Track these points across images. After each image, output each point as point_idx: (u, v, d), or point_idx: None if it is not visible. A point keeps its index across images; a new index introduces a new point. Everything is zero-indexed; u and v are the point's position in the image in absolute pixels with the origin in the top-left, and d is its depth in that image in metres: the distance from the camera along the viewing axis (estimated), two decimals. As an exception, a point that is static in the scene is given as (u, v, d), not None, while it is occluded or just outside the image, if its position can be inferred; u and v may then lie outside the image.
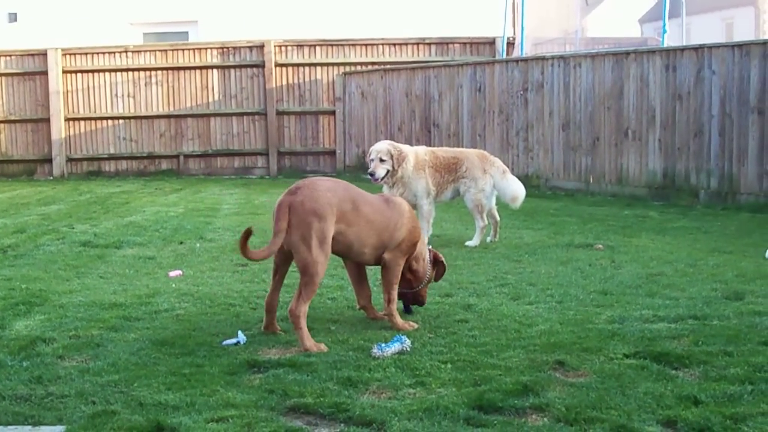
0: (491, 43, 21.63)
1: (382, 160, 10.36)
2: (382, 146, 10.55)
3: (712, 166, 14.06)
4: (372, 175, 10.40)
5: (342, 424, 4.69)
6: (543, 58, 17.41)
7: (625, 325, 6.51)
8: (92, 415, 4.78)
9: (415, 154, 10.71)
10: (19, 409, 4.91)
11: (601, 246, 10.18)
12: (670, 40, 18.20)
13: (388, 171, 10.39)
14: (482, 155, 11.15)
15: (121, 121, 22.09)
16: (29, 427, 4.71)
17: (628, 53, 15.67)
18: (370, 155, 10.54)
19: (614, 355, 5.70)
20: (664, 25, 18.02)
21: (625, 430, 4.50)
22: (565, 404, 4.82)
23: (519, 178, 16.60)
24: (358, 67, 21.78)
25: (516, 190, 10.99)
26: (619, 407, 4.79)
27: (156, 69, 21.99)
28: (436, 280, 7.19)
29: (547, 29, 26.93)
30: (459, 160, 10.92)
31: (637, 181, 15.30)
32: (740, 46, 13.95)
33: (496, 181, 10.93)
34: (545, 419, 4.70)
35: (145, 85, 22.01)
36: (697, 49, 14.43)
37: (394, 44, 21.99)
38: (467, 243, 10.61)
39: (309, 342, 6.03)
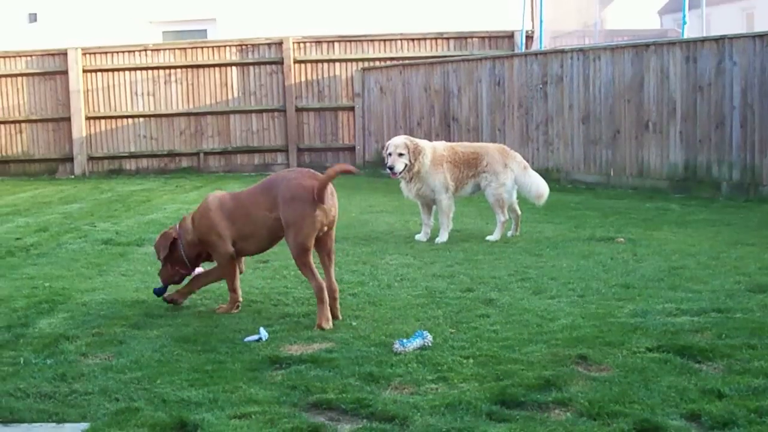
0: (510, 36, 21.57)
1: (400, 155, 10.39)
2: (399, 140, 10.57)
3: (734, 157, 13.98)
4: (391, 169, 10.42)
5: (364, 420, 4.69)
6: (562, 51, 17.35)
7: (647, 318, 6.49)
8: (116, 412, 4.80)
9: (432, 149, 10.70)
10: (44, 406, 4.94)
11: (622, 239, 10.15)
12: (690, 32, 18.10)
13: (406, 165, 10.42)
14: (503, 150, 11.10)
15: (141, 119, 22.15)
16: (53, 424, 4.74)
17: (647, 45, 15.59)
18: (387, 149, 10.54)
19: (637, 349, 5.69)
20: (684, 16, 17.93)
21: (648, 424, 4.48)
22: (587, 398, 4.81)
23: (539, 172, 16.53)
24: (377, 63, 21.76)
25: (541, 187, 10.97)
26: (642, 401, 4.77)
27: (175, 67, 22.03)
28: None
29: (566, 22, 26.80)
30: (479, 155, 10.85)
31: (658, 174, 15.23)
32: (761, 36, 13.84)
33: (518, 177, 10.89)
34: (568, 414, 4.69)
35: (165, 83, 22.05)
36: (718, 40, 14.34)
37: (413, 39, 21.96)
38: (488, 237, 10.59)
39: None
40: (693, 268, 8.41)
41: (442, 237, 10.54)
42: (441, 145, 10.94)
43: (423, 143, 10.71)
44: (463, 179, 10.80)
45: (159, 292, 7.36)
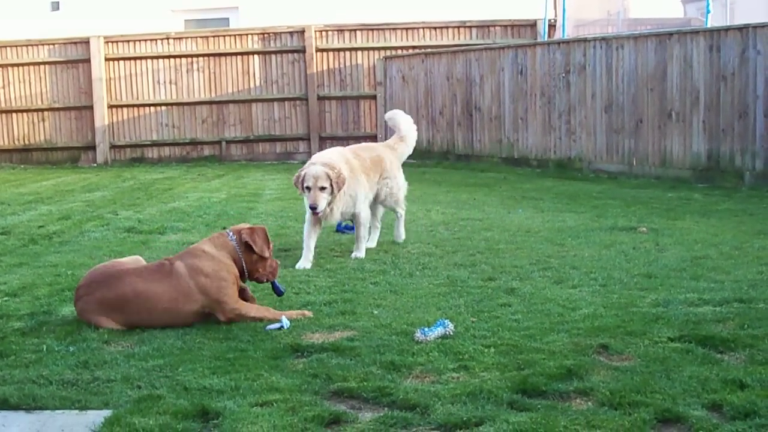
0: (532, 25, 21.52)
1: (322, 188, 8.66)
2: (319, 171, 8.69)
3: (758, 147, 13.90)
4: (314, 209, 8.66)
5: (386, 408, 4.70)
6: (585, 40, 17.29)
7: (669, 308, 6.46)
8: (138, 400, 4.82)
9: (345, 160, 9.13)
10: (66, 393, 4.97)
11: (644, 229, 10.11)
12: (713, 21, 17.98)
13: (328, 200, 8.76)
14: (392, 148, 10.00)
15: (163, 107, 22.23)
16: (76, 411, 4.76)
17: (671, 34, 15.50)
18: (304, 180, 8.71)
19: (659, 339, 5.67)
20: (708, 5, 17.80)
21: (669, 414, 4.47)
22: (609, 388, 4.80)
23: (561, 161, 16.55)
24: (399, 51, 21.76)
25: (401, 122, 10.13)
26: (663, 391, 4.76)
27: (197, 55, 22.09)
28: None
29: (589, 10, 26.65)
30: (381, 157, 9.63)
31: (680, 164, 15.17)
32: (786, 25, 13.78)
33: (398, 156, 9.96)
34: (589, 403, 4.68)
35: (187, 71, 22.12)
36: (742, 29, 14.25)
37: (435, 28, 21.94)
38: (397, 239, 9.78)
39: None
40: (715, 258, 8.38)
41: (360, 252, 9.12)
42: (349, 155, 9.36)
43: (336, 160, 9.00)
44: (373, 187, 9.51)
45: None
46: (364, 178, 9.27)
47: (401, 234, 9.85)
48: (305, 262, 8.63)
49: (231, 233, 6.66)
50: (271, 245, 6.81)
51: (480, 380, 5.00)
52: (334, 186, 8.66)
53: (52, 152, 22.34)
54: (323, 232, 9.50)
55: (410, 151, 10.18)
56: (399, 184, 9.74)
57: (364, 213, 9.21)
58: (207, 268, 6.40)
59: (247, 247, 6.62)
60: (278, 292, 6.85)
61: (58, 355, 5.66)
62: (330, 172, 8.67)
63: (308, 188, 8.67)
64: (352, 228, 10.11)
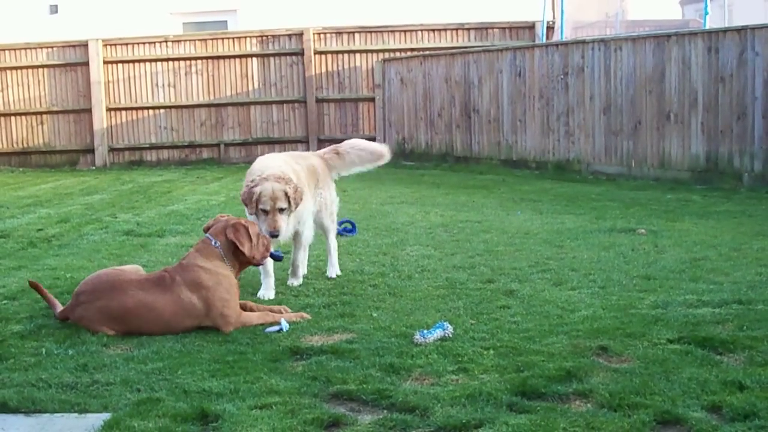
0: (531, 27, 21.51)
1: (281, 210, 7.25)
2: (277, 189, 7.26)
3: (756, 148, 13.91)
4: (276, 236, 7.22)
5: (385, 411, 4.70)
6: (583, 42, 17.29)
7: (668, 310, 6.46)
8: (137, 403, 4.82)
9: (292, 169, 7.74)
10: (66, 396, 4.97)
11: (643, 231, 10.11)
12: (712, 22, 18.02)
13: (287, 222, 7.40)
14: (322, 157, 8.59)
15: (162, 110, 22.22)
16: (75, 414, 4.76)
17: (669, 36, 15.51)
18: (260, 203, 7.26)
19: (658, 341, 5.67)
20: (706, 6, 17.84)
21: (669, 416, 4.47)
22: (608, 390, 4.80)
23: (559, 163, 16.54)
24: (398, 54, 21.75)
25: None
26: (663, 393, 4.76)
27: (196, 58, 22.08)
28: None
29: (587, 12, 26.72)
30: (314, 165, 8.27)
31: (679, 165, 15.17)
32: (784, 26, 13.78)
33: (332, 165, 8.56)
34: (589, 405, 4.68)
35: (186, 74, 22.11)
36: (740, 30, 14.26)
37: (433, 30, 21.93)
38: (330, 274, 8.24)
39: None
40: (714, 259, 8.38)
41: (297, 279, 7.94)
42: (292, 162, 8.02)
43: (292, 174, 7.57)
44: (314, 198, 8.14)
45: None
46: (308, 188, 7.86)
47: (336, 265, 8.32)
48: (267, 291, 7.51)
49: (214, 240, 6.57)
50: (251, 230, 6.68)
51: (479, 382, 5.00)
52: (293, 205, 7.30)
53: (50, 155, 22.33)
54: (320, 234, 9.26)
55: (346, 170, 8.65)
56: (332, 197, 8.40)
57: (308, 233, 7.89)
58: (207, 282, 6.35)
59: (234, 247, 6.56)
60: (276, 258, 6.85)
61: (57, 358, 5.66)
62: (288, 189, 7.27)
63: (265, 211, 7.24)
64: (351, 230, 10.04)
